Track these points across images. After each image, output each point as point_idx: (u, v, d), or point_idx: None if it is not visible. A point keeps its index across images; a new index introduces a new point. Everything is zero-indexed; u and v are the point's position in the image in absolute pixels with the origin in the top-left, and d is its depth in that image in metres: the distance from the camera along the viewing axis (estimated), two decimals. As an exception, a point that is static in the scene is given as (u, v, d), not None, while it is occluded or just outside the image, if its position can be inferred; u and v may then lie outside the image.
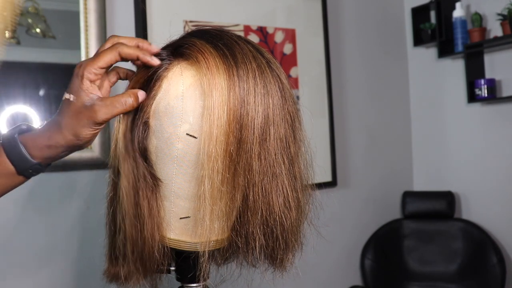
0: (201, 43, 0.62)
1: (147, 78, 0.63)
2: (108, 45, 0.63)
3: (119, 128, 0.64)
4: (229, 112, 0.58)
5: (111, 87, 0.67)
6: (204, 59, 0.59)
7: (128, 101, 0.61)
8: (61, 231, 1.51)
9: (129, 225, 0.65)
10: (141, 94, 0.62)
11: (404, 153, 2.55)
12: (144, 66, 0.64)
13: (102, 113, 0.61)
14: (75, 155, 1.52)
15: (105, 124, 0.64)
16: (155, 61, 0.62)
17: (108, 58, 0.61)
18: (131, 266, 0.68)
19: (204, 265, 0.63)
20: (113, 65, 0.64)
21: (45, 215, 1.51)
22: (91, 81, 0.61)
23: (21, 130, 0.65)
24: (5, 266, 1.46)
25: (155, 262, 0.68)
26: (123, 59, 0.63)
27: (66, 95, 0.62)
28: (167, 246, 0.67)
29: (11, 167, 0.64)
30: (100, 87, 0.64)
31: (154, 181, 0.65)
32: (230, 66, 0.59)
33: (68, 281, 1.53)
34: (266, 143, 0.60)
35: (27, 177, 0.66)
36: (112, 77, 0.67)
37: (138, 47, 0.63)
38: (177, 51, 0.63)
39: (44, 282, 1.49)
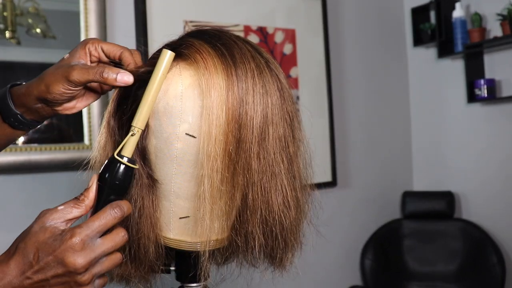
0: (200, 43, 0.62)
1: (146, 78, 0.63)
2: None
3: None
4: (227, 112, 0.58)
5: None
6: (202, 59, 0.60)
7: (105, 73, 0.61)
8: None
9: (125, 225, 0.65)
10: (123, 76, 0.61)
11: (404, 153, 2.55)
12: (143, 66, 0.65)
13: (76, 73, 0.61)
14: (75, 155, 1.53)
15: (78, 91, 0.64)
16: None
17: (111, 46, 0.64)
18: (130, 266, 0.68)
19: (204, 265, 0.63)
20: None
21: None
22: (90, 54, 0.64)
23: (15, 84, 0.69)
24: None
25: (152, 262, 0.68)
26: (109, 56, 0.65)
27: (65, 55, 0.65)
28: (165, 246, 0.67)
29: None
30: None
31: (150, 180, 0.65)
32: (229, 66, 0.59)
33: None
34: (265, 143, 0.60)
35: (13, 127, 0.69)
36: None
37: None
38: (175, 51, 0.63)
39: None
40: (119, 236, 0.57)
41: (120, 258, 0.58)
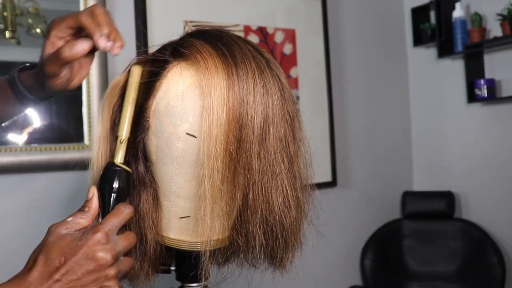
0: (200, 43, 0.62)
1: (147, 77, 0.63)
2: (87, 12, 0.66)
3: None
4: (228, 112, 0.58)
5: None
6: (203, 59, 0.60)
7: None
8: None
9: (125, 225, 0.65)
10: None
11: (404, 153, 2.55)
12: (142, 64, 0.65)
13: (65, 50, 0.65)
14: (75, 155, 1.53)
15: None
16: (104, 45, 0.62)
17: (71, 20, 0.66)
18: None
19: (205, 265, 0.63)
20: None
21: (46, 215, 1.51)
22: (59, 38, 0.67)
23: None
24: (7, 266, 1.46)
25: (151, 262, 0.68)
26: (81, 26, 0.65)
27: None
28: (165, 246, 0.67)
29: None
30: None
31: (150, 180, 0.65)
32: (229, 66, 0.59)
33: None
34: (266, 143, 0.60)
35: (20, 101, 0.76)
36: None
37: (108, 32, 0.62)
38: (176, 51, 0.63)
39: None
40: (132, 236, 0.60)
41: (133, 261, 0.61)
